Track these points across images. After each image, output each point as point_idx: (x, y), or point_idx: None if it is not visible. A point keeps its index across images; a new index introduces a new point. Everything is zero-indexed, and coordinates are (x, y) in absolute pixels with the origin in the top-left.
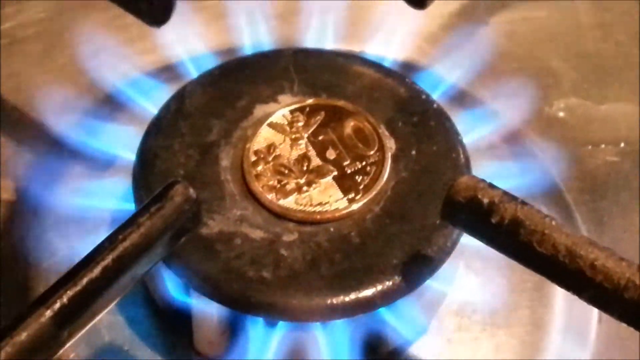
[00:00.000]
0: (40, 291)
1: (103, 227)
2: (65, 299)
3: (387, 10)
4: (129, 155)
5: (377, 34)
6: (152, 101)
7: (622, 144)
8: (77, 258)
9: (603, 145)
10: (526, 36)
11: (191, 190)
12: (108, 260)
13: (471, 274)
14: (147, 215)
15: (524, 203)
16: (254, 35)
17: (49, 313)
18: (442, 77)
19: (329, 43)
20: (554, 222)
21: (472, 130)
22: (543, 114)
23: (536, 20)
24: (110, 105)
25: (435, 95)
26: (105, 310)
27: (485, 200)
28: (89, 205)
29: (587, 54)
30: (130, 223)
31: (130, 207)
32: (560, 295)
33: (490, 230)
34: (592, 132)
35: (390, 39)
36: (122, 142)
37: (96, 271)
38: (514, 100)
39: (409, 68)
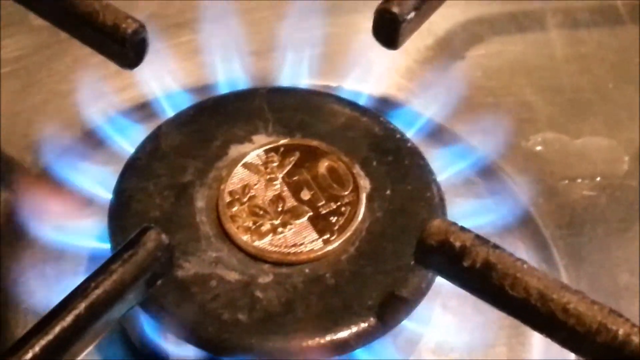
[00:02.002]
0: (19, 334)
1: (81, 267)
2: (37, 349)
3: (364, 46)
4: (106, 194)
5: (354, 70)
6: (129, 140)
7: (599, 178)
8: (56, 299)
9: (580, 180)
10: (502, 70)
11: (164, 237)
12: (80, 308)
13: (448, 313)
14: (119, 262)
15: (495, 246)
16: (229, 72)
17: None
18: (418, 113)
19: (305, 79)
20: (525, 266)
21: (448, 167)
22: (519, 149)
23: (511, 54)
24: (88, 142)
25: (411, 133)
26: (80, 357)
27: (457, 244)
28: (68, 244)
29: (563, 87)
30: (102, 270)
31: (105, 246)
32: (537, 334)
33: (463, 274)
34: (569, 166)
35: (367, 74)
36: (100, 181)
37: (68, 319)
38: (490, 134)
39: (385, 103)
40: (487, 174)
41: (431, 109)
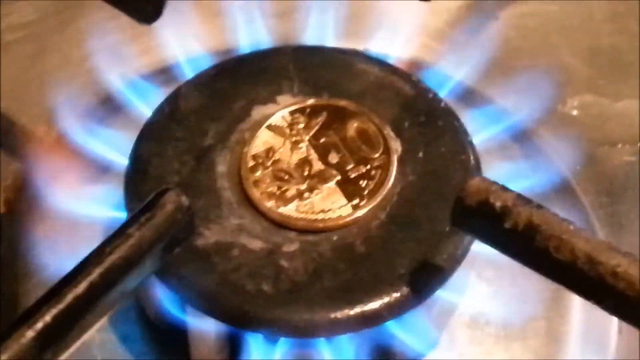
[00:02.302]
0: None
1: (97, 238)
2: (48, 318)
3: (390, 6)
4: (123, 160)
5: (380, 31)
6: (148, 104)
7: None
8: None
9: (620, 145)
10: (537, 31)
11: (183, 198)
12: (94, 274)
13: (483, 283)
14: (136, 226)
15: (539, 206)
16: (252, 34)
17: (30, 333)
18: (449, 75)
19: (330, 41)
20: (572, 227)
21: (482, 130)
22: (556, 112)
23: (548, 14)
24: (105, 108)
25: (443, 94)
26: (92, 329)
27: (498, 204)
28: (82, 214)
29: (602, 48)
30: (118, 234)
31: (122, 215)
32: (577, 305)
33: (504, 236)
34: (608, 130)
35: (394, 36)
36: (118, 146)
37: (82, 287)
38: (525, 98)
39: (414, 66)
40: (523, 138)
41: (463, 71)
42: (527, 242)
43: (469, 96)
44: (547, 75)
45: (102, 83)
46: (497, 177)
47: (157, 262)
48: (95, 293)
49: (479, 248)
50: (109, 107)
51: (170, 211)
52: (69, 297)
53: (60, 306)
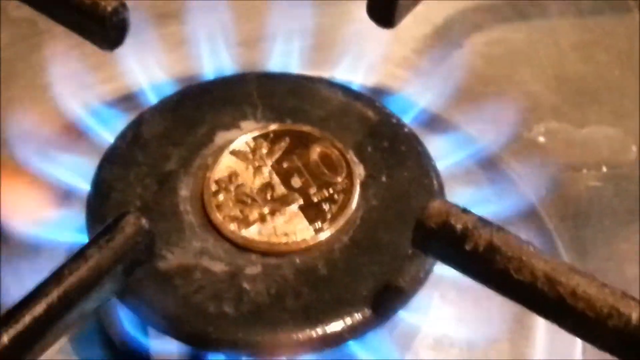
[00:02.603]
0: None
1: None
2: (5, 339)
3: (356, 34)
4: (84, 186)
5: (345, 59)
6: (111, 131)
7: (604, 169)
8: None
9: (585, 170)
10: (503, 58)
11: (143, 221)
12: (53, 296)
13: (447, 305)
14: (95, 248)
15: (499, 228)
16: (216, 61)
17: None
18: (414, 102)
19: (295, 69)
20: (531, 248)
21: (447, 156)
22: (522, 139)
23: (514, 42)
24: (68, 135)
25: (407, 119)
26: (53, 351)
27: (459, 226)
28: (44, 238)
29: (567, 76)
30: (77, 256)
31: (85, 240)
32: (541, 326)
33: (465, 258)
34: (573, 156)
35: (359, 64)
36: (80, 172)
37: (39, 308)
38: (491, 124)
39: (379, 93)
40: (488, 164)
41: (428, 98)
42: (488, 263)
43: (434, 123)
44: (512, 102)
45: (65, 110)
46: (461, 202)
47: (116, 284)
48: (54, 314)
49: (443, 270)
50: (71, 134)
51: (129, 234)
52: (27, 319)
53: (18, 327)
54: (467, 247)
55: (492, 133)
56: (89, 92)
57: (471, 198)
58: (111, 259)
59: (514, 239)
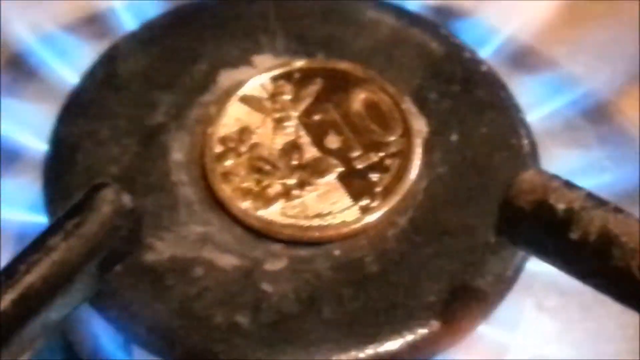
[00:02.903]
0: None
1: (5, 250)
2: None
3: None
4: (39, 144)
5: None
6: (73, 66)
7: None
8: None
9: None
10: None
11: (125, 197)
12: (5, 302)
13: (545, 316)
14: (61, 235)
15: (617, 209)
16: None
17: None
18: (495, 27)
19: None
20: None
21: (541, 104)
22: None
23: None
24: (14, 71)
25: (485, 53)
26: None
27: (561, 207)
28: None
29: None
30: (36, 247)
31: (40, 220)
32: None
33: (569, 250)
34: None
35: None
36: (32, 125)
37: None
38: (602, 60)
39: (445, 14)
40: (598, 116)
41: (514, 23)
42: (601, 258)
43: (522, 57)
44: (633, 27)
45: (9, 38)
46: (560, 170)
47: (90, 285)
48: (7, 327)
49: (538, 267)
50: (18, 70)
51: (107, 214)
52: None
53: None
54: (573, 236)
55: (603, 72)
56: (39, 11)
57: (575, 164)
58: (83, 250)
59: (637, 225)
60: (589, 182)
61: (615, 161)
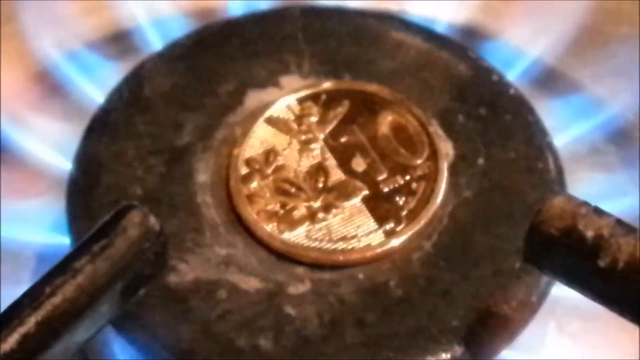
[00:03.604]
0: None
1: (28, 271)
2: None
3: None
4: (64, 163)
5: None
6: (98, 84)
7: None
8: None
9: None
10: None
11: (152, 219)
12: (29, 324)
13: (566, 340)
14: (87, 257)
15: None
16: None
17: None
18: (522, 50)
19: (356, 1)
20: None
21: (567, 127)
22: None
23: None
24: (39, 88)
25: (512, 76)
26: None
27: (590, 234)
28: (10, 238)
29: None
30: (61, 269)
31: (64, 241)
32: None
33: (598, 278)
34: None
35: None
36: (57, 143)
37: (11, 341)
38: (626, 80)
39: (472, 36)
40: (622, 138)
41: (541, 45)
42: (630, 286)
43: (549, 80)
44: None
45: (33, 54)
46: (588, 195)
47: (114, 308)
48: (31, 349)
49: (561, 292)
50: (44, 87)
51: (134, 238)
52: None
53: None
54: (602, 263)
55: (628, 94)
56: (65, 28)
57: (601, 187)
58: (109, 273)
59: None
60: (613, 205)
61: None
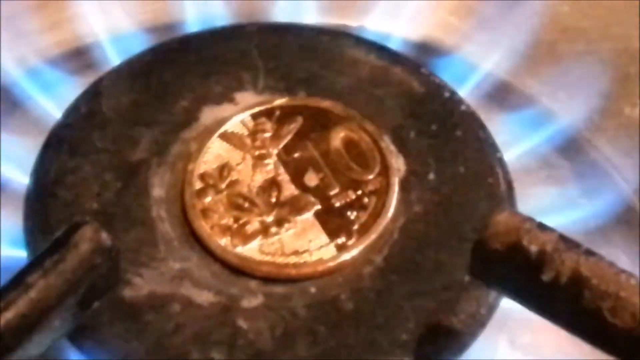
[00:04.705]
0: None
1: None
2: None
3: None
4: (21, 178)
5: (381, 4)
6: (56, 100)
7: None
8: None
9: None
10: (596, 6)
11: (104, 235)
12: None
13: (518, 353)
14: (39, 272)
15: (589, 252)
16: (203, 5)
17: None
18: (473, 65)
19: (310, 16)
20: (632, 281)
21: (517, 141)
22: (620, 116)
23: None
24: None
25: (464, 92)
26: None
27: (534, 249)
28: None
29: None
30: (14, 284)
31: (21, 254)
32: None
33: (541, 292)
34: None
35: (400, 10)
36: (15, 159)
37: None
38: (578, 95)
39: (425, 52)
40: (573, 151)
41: (493, 59)
42: (573, 300)
43: (500, 94)
44: (608, 65)
45: None
46: (536, 207)
47: (68, 321)
48: None
49: (511, 304)
50: (2, 103)
51: (86, 253)
52: None
53: None
54: (545, 278)
55: (579, 107)
56: (25, 44)
57: (549, 199)
58: (62, 288)
59: (608, 268)
60: (564, 218)
61: (590, 197)
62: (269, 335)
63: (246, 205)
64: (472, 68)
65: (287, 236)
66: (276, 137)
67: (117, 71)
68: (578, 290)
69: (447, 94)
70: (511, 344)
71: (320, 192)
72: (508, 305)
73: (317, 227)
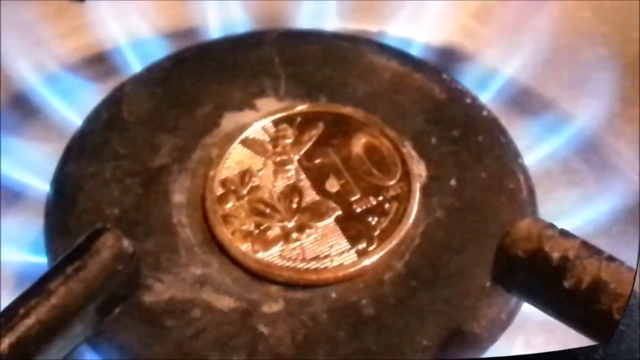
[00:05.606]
0: None
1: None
2: None
3: None
4: (41, 185)
5: (402, 8)
6: (75, 106)
7: None
8: None
9: None
10: (618, 11)
11: (126, 242)
12: (3, 345)
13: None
14: (61, 279)
15: (610, 258)
16: (224, 11)
17: None
18: (495, 70)
19: (331, 23)
20: None
21: (539, 146)
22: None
23: None
24: (17, 111)
25: (485, 98)
26: None
27: (556, 255)
28: None
29: None
30: (36, 290)
31: (42, 260)
32: None
33: (562, 298)
34: None
35: (421, 15)
36: (35, 165)
37: None
38: (598, 100)
39: (448, 56)
40: (593, 155)
41: (514, 64)
42: (593, 306)
43: (522, 100)
44: (628, 69)
45: (11, 77)
46: (557, 210)
47: (89, 328)
48: None
49: (531, 309)
50: (21, 110)
51: (107, 259)
52: None
53: None
54: (567, 284)
55: (599, 112)
56: (44, 50)
57: (570, 202)
58: (83, 294)
59: (629, 273)
60: (585, 220)
61: (611, 200)
62: (290, 340)
63: (267, 211)
64: (494, 73)
65: (308, 242)
66: (297, 143)
67: (138, 78)
68: (598, 296)
69: (468, 100)
70: (526, 344)
71: (341, 198)
72: (527, 309)
73: (338, 233)
